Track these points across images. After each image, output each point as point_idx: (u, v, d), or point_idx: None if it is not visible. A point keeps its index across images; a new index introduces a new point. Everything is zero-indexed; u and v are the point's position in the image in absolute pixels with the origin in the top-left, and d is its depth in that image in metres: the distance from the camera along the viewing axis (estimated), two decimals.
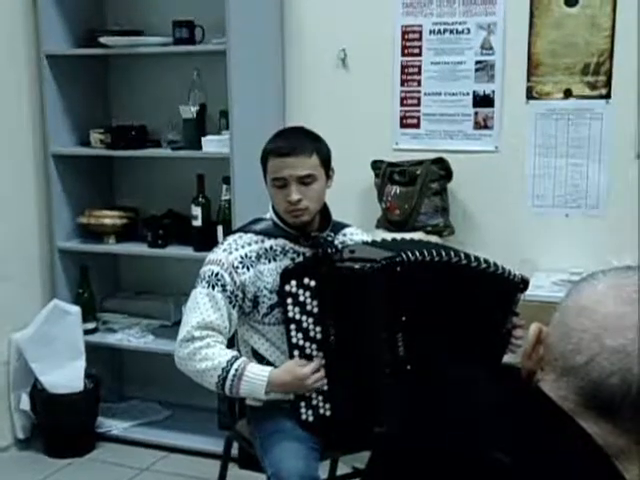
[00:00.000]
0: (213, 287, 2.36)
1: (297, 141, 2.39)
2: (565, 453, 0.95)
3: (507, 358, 2.30)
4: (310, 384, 2.29)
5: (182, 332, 2.37)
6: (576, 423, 0.96)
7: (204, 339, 2.33)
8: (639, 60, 3.15)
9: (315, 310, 2.28)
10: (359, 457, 2.48)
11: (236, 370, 2.29)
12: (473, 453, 0.97)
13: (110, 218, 3.76)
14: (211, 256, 2.43)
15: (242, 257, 2.39)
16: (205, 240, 3.38)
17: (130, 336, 3.79)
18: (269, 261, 2.41)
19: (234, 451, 2.82)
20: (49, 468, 3.53)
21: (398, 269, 2.19)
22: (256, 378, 2.30)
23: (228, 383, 2.30)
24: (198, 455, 3.56)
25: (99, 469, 3.54)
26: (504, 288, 2.31)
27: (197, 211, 3.53)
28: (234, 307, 2.38)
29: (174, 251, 3.65)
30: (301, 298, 2.29)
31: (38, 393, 3.62)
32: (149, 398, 4.04)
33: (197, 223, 3.54)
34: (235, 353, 2.37)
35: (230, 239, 2.45)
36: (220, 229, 3.41)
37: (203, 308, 2.35)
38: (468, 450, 0.98)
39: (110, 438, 3.75)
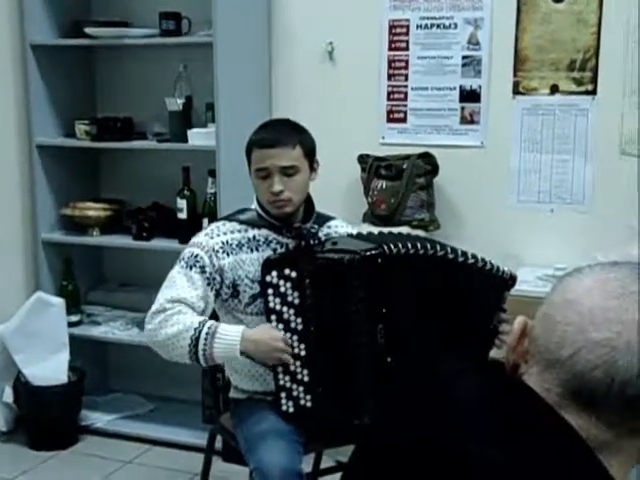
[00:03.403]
0: (191, 268, 2.36)
1: (281, 132, 2.40)
2: (548, 446, 0.95)
3: (493, 353, 2.30)
4: (281, 347, 2.28)
5: (154, 306, 2.36)
6: (559, 416, 0.97)
7: (175, 308, 2.32)
8: (625, 57, 3.16)
9: (296, 301, 2.28)
10: (343, 451, 2.48)
11: (209, 328, 2.28)
12: (456, 446, 0.97)
13: (94, 210, 3.75)
14: (193, 240, 2.45)
15: (223, 243, 2.41)
16: (190, 233, 3.29)
17: (114, 328, 3.78)
18: (251, 250, 2.42)
19: (218, 444, 2.82)
20: (32, 461, 3.51)
21: (379, 261, 2.19)
22: (230, 335, 2.28)
23: (201, 343, 2.27)
24: (182, 448, 3.56)
25: (82, 462, 3.53)
26: (492, 284, 2.32)
27: (182, 204, 3.52)
28: (212, 289, 2.38)
29: (159, 243, 3.64)
30: (282, 289, 2.29)
31: (21, 385, 3.60)
32: (133, 391, 4.03)
33: (182, 216, 3.53)
34: (207, 317, 2.35)
35: (213, 225, 2.49)
36: (205, 222, 3.40)
37: (179, 286, 2.35)
38: (451, 443, 0.98)
39: (94, 431, 3.74)
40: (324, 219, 2.56)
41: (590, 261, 1.09)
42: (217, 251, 2.39)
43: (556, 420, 0.97)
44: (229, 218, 2.51)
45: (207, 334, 2.27)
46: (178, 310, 2.32)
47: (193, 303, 2.34)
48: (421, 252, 2.23)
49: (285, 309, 2.30)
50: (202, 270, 2.36)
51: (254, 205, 2.49)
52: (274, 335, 2.30)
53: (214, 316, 2.48)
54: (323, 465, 2.87)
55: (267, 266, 2.32)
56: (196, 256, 2.38)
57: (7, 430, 3.71)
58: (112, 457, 3.55)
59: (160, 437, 3.65)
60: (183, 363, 2.37)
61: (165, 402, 3.92)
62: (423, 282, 2.25)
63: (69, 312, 3.70)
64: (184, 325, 2.29)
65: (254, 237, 2.44)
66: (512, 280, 2.35)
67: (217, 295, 2.42)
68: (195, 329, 2.28)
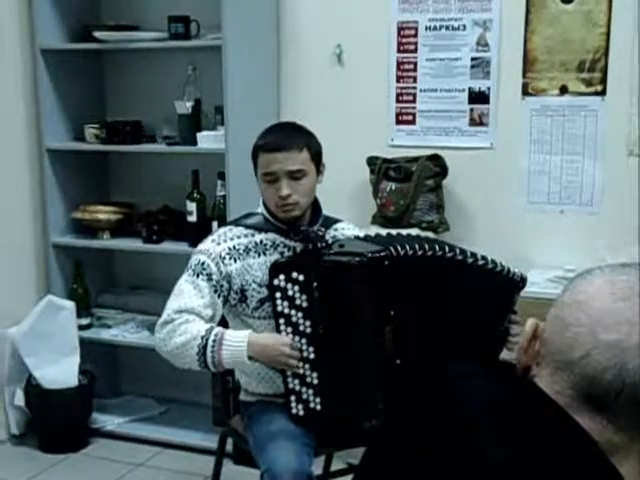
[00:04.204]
0: (198, 275, 2.37)
1: (287, 136, 2.39)
2: (560, 448, 0.95)
3: (504, 355, 2.30)
4: (288, 352, 2.28)
5: (162, 316, 2.38)
6: (571, 418, 0.97)
7: (182, 317, 2.34)
8: (634, 57, 3.15)
9: (304, 304, 2.28)
10: (353, 453, 2.48)
11: (216, 335, 2.29)
12: (468, 449, 0.97)
13: (105, 213, 3.76)
14: (200, 246, 2.46)
15: (230, 249, 2.40)
16: (200, 236, 3.32)
17: (125, 332, 3.78)
18: (259, 255, 2.42)
19: (228, 447, 2.82)
20: (44, 463, 3.52)
21: (386, 263, 2.18)
22: (236, 341, 2.29)
23: (209, 351, 2.28)
24: (193, 451, 3.56)
25: (93, 465, 3.54)
26: (502, 286, 2.31)
27: (192, 207, 3.53)
28: (219, 296, 2.38)
29: (169, 247, 3.65)
30: (290, 292, 2.29)
31: (32, 388, 3.61)
32: (144, 394, 4.03)
33: (192, 219, 3.54)
34: (214, 324, 2.36)
35: (220, 231, 2.48)
36: (215, 225, 3.40)
37: (186, 295, 2.36)
38: (464, 446, 0.98)
39: (104, 434, 3.75)
40: (331, 222, 2.56)
41: (599, 262, 1.09)
42: (224, 257, 2.39)
43: (567, 422, 0.97)
44: (236, 223, 2.51)
45: (214, 341, 2.29)
46: (185, 319, 2.33)
47: (200, 311, 2.35)
48: (429, 254, 2.22)
49: (293, 312, 2.30)
50: (209, 278, 2.37)
51: (260, 209, 2.49)
52: (281, 340, 2.30)
53: (223, 321, 2.49)
54: (334, 467, 2.87)
55: (274, 270, 2.32)
56: (203, 263, 2.38)
57: (18, 433, 3.72)
58: (123, 460, 3.56)
59: (171, 440, 3.65)
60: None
61: (176, 405, 3.93)
62: (432, 284, 2.23)
63: (79, 315, 3.71)
64: (191, 334, 2.31)
65: (261, 241, 2.44)
66: (522, 282, 2.34)
67: (225, 301, 2.42)
68: (202, 337, 2.29)
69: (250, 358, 2.30)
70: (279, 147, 2.36)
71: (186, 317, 2.33)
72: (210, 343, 2.28)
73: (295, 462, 2.25)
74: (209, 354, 2.29)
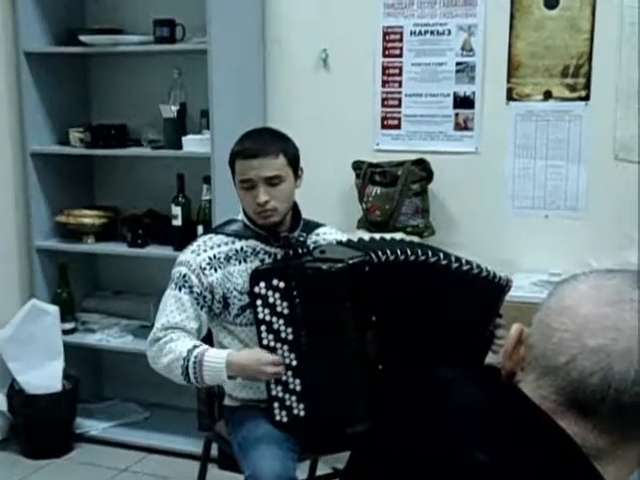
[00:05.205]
0: (180, 289, 2.37)
1: (263, 142, 2.39)
2: (543, 453, 0.95)
3: (489, 358, 2.30)
4: (270, 372, 2.28)
5: (150, 334, 2.40)
6: (555, 423, 0.97)
7: (167, 336, 2.35)
8: (618, 62, 3.17)
9: (285, 311, 2.28)
10: (339, 458, 2.48)
11: (195, 357, 2.29)
12: (452, 453, 0.98)
13: (89, 217, 3.74)
14: (180, 257, 2.45)
15: (210, 258, 2.40)
16: (185, 240, 3.32)
17: (109, 336, 3.77)
18: (239, 262, 2.41)
19: (213, 452, 2.81)
20: (27, 469, 3.50)
21: (366, 269, 2.17)
22: (215, 362, 2.29)
23: (191, 371, 2.29)
24: (177, 456, 3.55)
25: (77, 470, 3.52)
26: (487, 290, 2.30)
27: (177, 211, 3.52)
28: (202, 308, 2.38)
29: (154, 251, 3.64)
30: (270, 300, 2.29)
31: (16, 393, 3.59)
32: (128, 399, 4.02)
33: (177, 223, 3.53)
34: (198, 342, 2.36)
35: (200, 240, 2.47)
36: (200, 229, 3.40)
37: (168, 310, 2.38)
38: (447, 450, 0.98)
39: (89, 439, 3.73)
40: (312, 226, 2.55)
41: (584, 268, 1.09)
42: (204, 268, 2.39)
43: (551, 427, 0.97)
44: (216, 231, 2.51)
45: (194, 363, 2.29)
46: (170, 338, 2.35)
47: (185, 326, 2.36)
48: (412, 258, 2.20)
49: (275, 319, 2.29)
50: (190, 290, 2.37)
51: (240, 216, 2.48)
52: (262, 359, 2.29)
53: (208, 331, 2.49)
54: (319, 472, 2.86)
55: (255, 277, 2.31)
56: (184, 276, 2.39)
57: (1, 438, 3.69)
58: (107, 465, 3.54)
59: (155, 445, 3.64)
60: None
61: (160, 409, 3.92)
62: (415, 289, 2.21)
63: (64, 320, 3.69)
64: (174, 355, 2.32)
65: (242, 248, 2.43)
66: (508, 285, 2.34)
67: (210, 311, 2.42)
68: (184, 358, 2.30)
69: (230, 377, 2.31)
70: (255, 154, 2.35)
71: (171, 335, 2.35)
72: (191, 365, 2.30)
73: (279, 467, 2.25)
74: (192, 375, 2.30)
